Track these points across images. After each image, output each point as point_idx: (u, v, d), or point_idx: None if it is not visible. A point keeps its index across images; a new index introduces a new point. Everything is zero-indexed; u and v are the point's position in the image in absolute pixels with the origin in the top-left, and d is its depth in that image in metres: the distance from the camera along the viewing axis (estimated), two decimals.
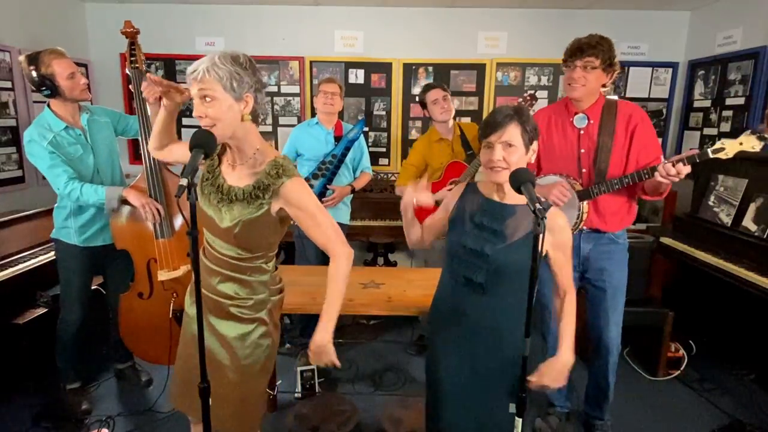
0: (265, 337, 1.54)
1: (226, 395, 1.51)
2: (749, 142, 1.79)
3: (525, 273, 1.30)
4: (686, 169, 1.80)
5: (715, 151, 1.82)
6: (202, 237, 1.52)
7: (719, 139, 1.88)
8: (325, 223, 1.45)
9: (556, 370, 1.49)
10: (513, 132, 1.43)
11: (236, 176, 1.44)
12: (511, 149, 1.43)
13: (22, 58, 2.21)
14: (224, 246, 1.46)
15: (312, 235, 1.46)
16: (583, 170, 2.12)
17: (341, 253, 1.45)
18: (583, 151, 2.11)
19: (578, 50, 2.00)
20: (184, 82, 1.42)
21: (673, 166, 1.80)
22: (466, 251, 1.51)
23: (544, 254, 1.50)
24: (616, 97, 2.17)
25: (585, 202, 2.09)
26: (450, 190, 2.93)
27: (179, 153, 1.61)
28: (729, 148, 1.81)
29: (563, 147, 2.15)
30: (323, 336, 1.43)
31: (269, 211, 1.41)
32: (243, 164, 1.43)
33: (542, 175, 2.17)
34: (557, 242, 1.51)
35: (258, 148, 1.43)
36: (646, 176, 1.95)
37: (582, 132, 2.11)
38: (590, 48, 1.98)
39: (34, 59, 2.17)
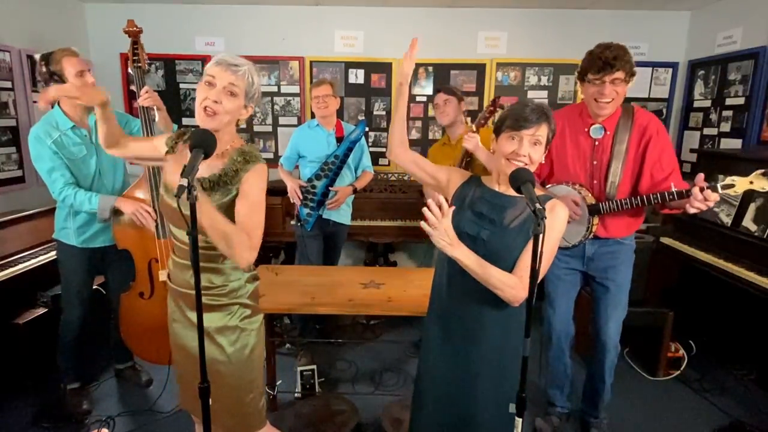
0: (249, 319, 1.56)
1: (220, 389, 1.50)
2: (759, 182, 1.79)
3: (515, 260, 1.43)
4: (715, 196, 1.78)
5: (724, 187, 1.80)
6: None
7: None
8: (253, 222, 1.42)
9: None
10: (543, 131, 1.44)
11: (205, 166, 1.43)
12: (536, 147, 1.44)
13: (38, 56, 2.24)
14: None
15: (237, 220, 1.42)
16: (595, 182, 2.09)
17: (241, 255, 1.36)
18: (595, 162, 2.08)
19: (606, 65, 1.88)
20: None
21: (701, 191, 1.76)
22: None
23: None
24: (632, 105, 2.10)
25: (594, 216, 2.06)
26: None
27: (134, 147, 1.65)
28: (739, 185, 1.80)
29: (575, 157, 2.11)
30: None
31: (234, 198, 1.44)
32: (214, 156, 1.43)
33: (554, 184, 2.14)
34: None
35: (232, 142, 1.49)
36: (655, 201, 1.93)
37: (597, 143, 2.07)
38: (618, 61, 1.88)
39: (46, 56, 2.21)
